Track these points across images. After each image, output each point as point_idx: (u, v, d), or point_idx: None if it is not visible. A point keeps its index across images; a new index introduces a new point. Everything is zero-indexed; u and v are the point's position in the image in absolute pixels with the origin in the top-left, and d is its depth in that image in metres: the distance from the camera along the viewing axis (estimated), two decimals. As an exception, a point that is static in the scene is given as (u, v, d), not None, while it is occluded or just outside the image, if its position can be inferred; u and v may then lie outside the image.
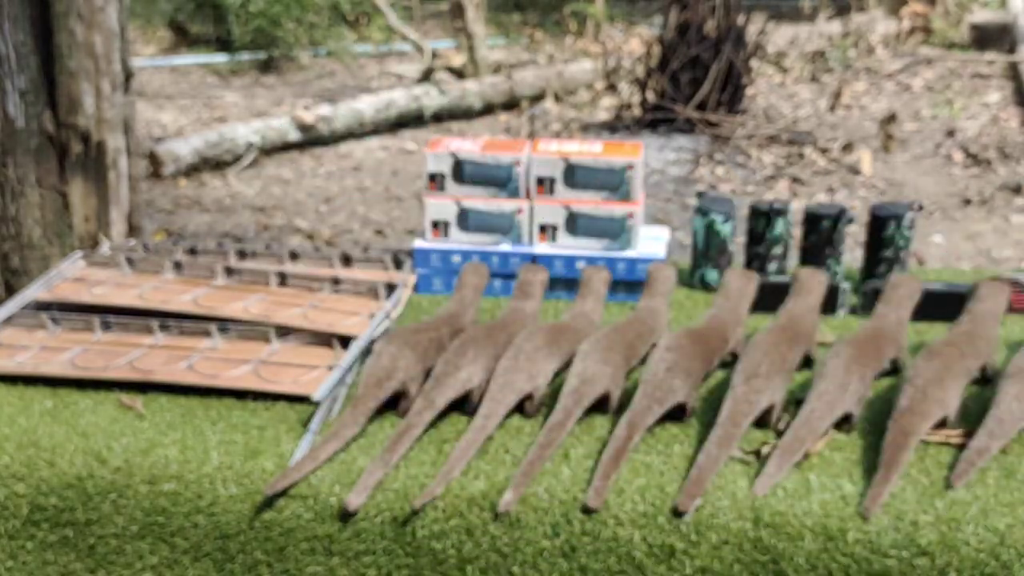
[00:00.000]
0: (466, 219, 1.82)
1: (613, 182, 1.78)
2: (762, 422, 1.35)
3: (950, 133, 5.27)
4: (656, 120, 5.40)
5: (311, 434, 1.37)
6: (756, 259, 1.83)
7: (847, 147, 4.97)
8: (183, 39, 8.18)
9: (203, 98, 6.60)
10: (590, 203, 1.79)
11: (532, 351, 1.42)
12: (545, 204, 1.80)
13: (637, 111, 5.59)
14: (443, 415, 1.40)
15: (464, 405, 1.42)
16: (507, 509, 1.22)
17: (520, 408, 1.41)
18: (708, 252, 1.82)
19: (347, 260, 1.90)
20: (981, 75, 6.46)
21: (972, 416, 1.35)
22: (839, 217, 1.79)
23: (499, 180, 1.80)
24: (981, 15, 7.32)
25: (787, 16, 7.77)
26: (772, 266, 1.83)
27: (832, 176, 4.69)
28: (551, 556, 1.22)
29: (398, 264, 1.89)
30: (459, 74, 6.26)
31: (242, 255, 1.93)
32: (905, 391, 1.32)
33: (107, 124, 2.30)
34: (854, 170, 4.75)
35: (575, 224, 1.80)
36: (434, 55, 6.43)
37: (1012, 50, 6.63)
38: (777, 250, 1.82)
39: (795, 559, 1.18)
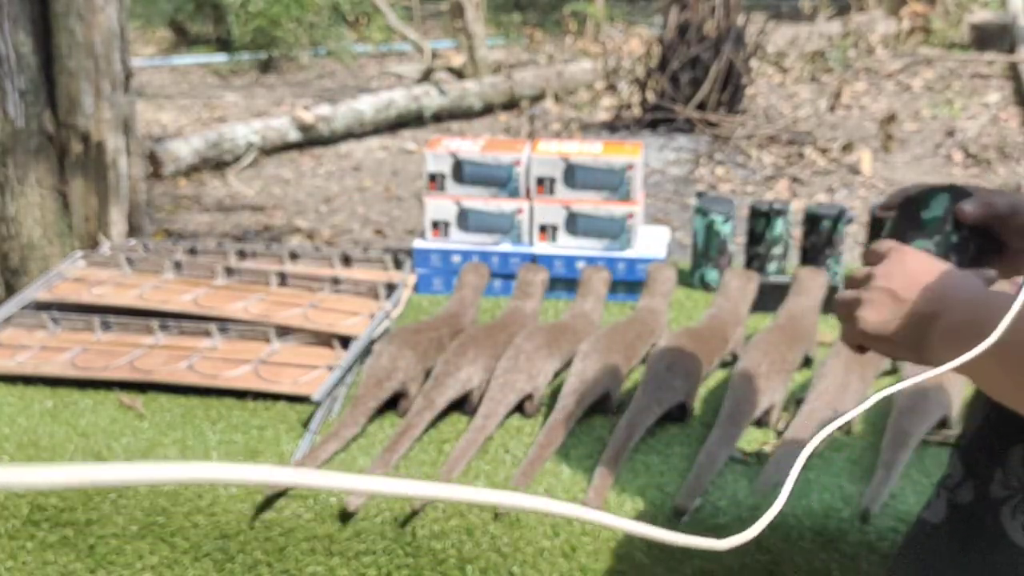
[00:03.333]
0: (466, 219, 1.82)
1: (613, 182, 1.78)
2: (762, 422, 1.36)
3: (950, 133, 5.27)
4: (656, 120, 5.39)
5: (311, 434, 1.37)
6: (756, 259, 1.83)
7: (847, 147, 4.96)
8: (183, 39, 8.17)
9: (203, 98, 6.59)
10: (590, 203, 1.79)
11: (532, 351, 1.42)
12: (545, 204, 1.80)
13: (637, 111, 5.59)
14: (443, 415, 1.40)
15: (464, 405, 1.42)
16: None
17: (520, 408, 1.41)
18: (708, 252, 1.82)
19: (347, 260, 1.90)
20: (981, 75, 6.46)
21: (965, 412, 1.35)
22: (839, 217, 1.79)
23: (499, 180, 1.80)
24: (981, 15, 7.32)
25: (787, 16, 7.77)
26: (772, 266, 1.83)
27: (832, 176, 4.69)
28: (551, 556, 1.22)
29: (398, 264, 1.89)
30: (459, 74, 6.26)
31: (242, 255, 1.93)
32: (905, 391, 1.32)
33: (107, 124, 2.30)
34: (854, 170, 4.75)
35: (575, 224, 1.80)
36: (434, 55, 6.43)
37: (1012, 50, 6.63)
38: (777, 250, 1.82)
39: (795, 559, 1.18)
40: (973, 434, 0.88)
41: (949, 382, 1.34)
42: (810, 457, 1.28)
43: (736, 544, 0.65)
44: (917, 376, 0.78)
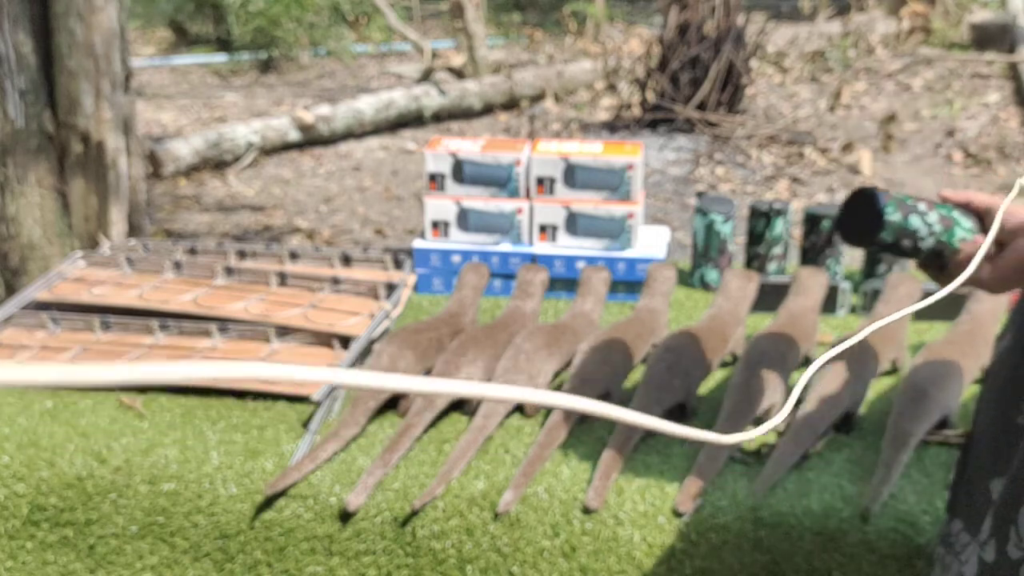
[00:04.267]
0: (466, 219, 1.82)
1: (613, 182, 1.78)
2: (762, 422, 1.35)
3: (950, 133, 5.27)
4: (656, 120, 5.40)
5: (311, 434, 1.37)
6: (756, 259, 1.83)
7: (847, 147, 4.96)
8: (183, 39, 8.18)
9: (203, 98, 6.60)
10: (590, 203, 1.79)
11: (532, 351, 1.42)
12: (545, 204, 1.80)
13: (637, 111, 5.59)
14: (443, 415, 1.40)
15: (464, 405, 1.42)
16: (507, 509, 1.22)
17: (520, 408, 1.41)
18: (708, 252, 1.82)
19: (347, 260, 1.90)
20: (981, 75, 6.46)
21: (972, 416, 1.35)
22: (839, 217, 1.79)
23: (499, 180, 1.80)
24: (981, 15, 7.32)
25: (787, 16, 7.78)
26: (772, 266, 1.83)
27: (832, 176, 4.69)
28: (551, 556, 1.22)
29: (398, 264, 1.89)
30: (459, 74, 6.26)
31: (242, 255, 1.93)
32: (905, 391, 1.32)
33: (107, 124, 2.30)
34: (854, 170, 4.75)
35: (575, 224, 1.80)
36: (434, 55, 6.43)
37: (1012, 50, 6.63)
38: (777, 250, 1.82)
39: (795, 559, 1.18)
40: (1000, 491, 0.88)
41: (949, 382, 1.34)
42: (810, 457, 1.29)
43: (740, 439, 0.68)
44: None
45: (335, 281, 1.76)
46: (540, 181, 1.79)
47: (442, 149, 1.81)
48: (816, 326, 1.51)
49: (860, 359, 1.37)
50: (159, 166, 4.79)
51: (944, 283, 1.06)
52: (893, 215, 1.02)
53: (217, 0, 7.53)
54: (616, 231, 1.79)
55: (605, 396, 1.39)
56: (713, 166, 4.87)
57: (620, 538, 1.21)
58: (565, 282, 1.81)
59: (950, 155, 4.96)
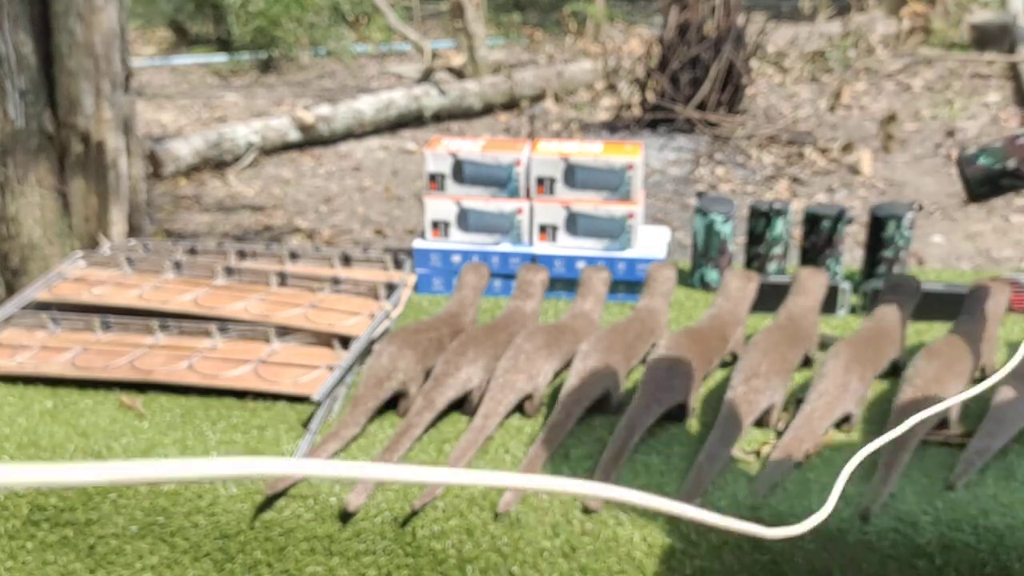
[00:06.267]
0: (466, 219, 1.82)
1: (613, 182, 1.78)
2: (762, 422, 1.36)
3: (950, 133, 5.27)
4: (656, 120, 5.40)
5: (311, 434, 1.37)
6: (756, 259, 1.83)
7: (847, 147, 4.96)
8: (183, 39, 8.18)
9: (203, 98, 6.60)
10: (590, 203, 1.79)
11: (532, 351, 1.42)
12: (545, 204, 1.80)
13: (637, 111, 5.59)
14: (443, 415, 1.40)
15: (464, 405, 1.42)
16: (507, 509, 1.22)
17: (520, 408, 1.41)
18: (708, 252, 1.82)
19: (347, 260, 1.90)
20: (981, 75, 6.46)
21: (972, 416, 1.35)
22: (839, 217, 1.79)
23: (499, 180, 1.80)
24: (981, 15, 7.32)
25: (787, 16, 7.78)
26: (772, 266, 1.83)
27: (832, 176, 4.69)
28: (551, 556, 1.22)
29: (398, 264, 1.89)
30: (459, 74, 6.26)
31: (242, 255, 1.93)
32: (905, 391, 1.32)
33: (107, 124, 2.30)
34: (854, 170, 4.75)
35: (575, 224, 1.80)
36: (434, 55, 6.43)
37: (1012, 50, 6.63)
38: (777, 250, 1.82)
39: (795, 559, 1.18)
40: None
41: (949, 382, 1.34)
42: (810, 457, 1.29)
43: (783, 535, 0.66)
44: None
45: (335, 281, 1.76)
46: (540, 181, 1.79)
47: (442, 149, 1.81)
48: (816, 326, 1.51)
49: (859, 360, 1.37)
50: (159, 166, 4.79)
51: None
52: (979, 166, 1.04)
53: (217, 0, 7.53)
54: (616, 231, 1.79)
55: (605, 396, 1.39)
56: (713, 166, 4.87)
57: (620, 538, 1.21)
58: (565, 282, 1.81)
59: (950, 155, 4.96)
